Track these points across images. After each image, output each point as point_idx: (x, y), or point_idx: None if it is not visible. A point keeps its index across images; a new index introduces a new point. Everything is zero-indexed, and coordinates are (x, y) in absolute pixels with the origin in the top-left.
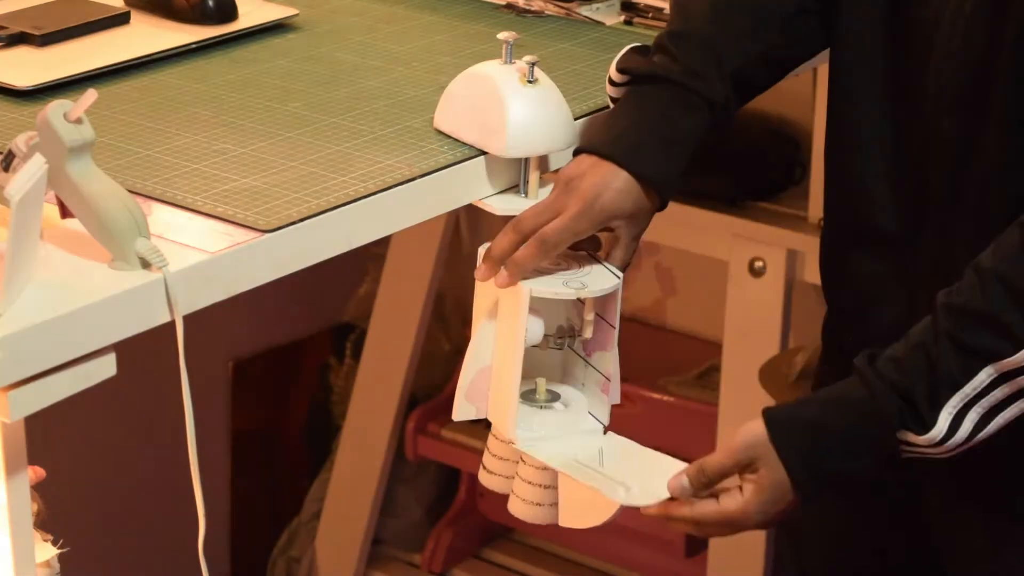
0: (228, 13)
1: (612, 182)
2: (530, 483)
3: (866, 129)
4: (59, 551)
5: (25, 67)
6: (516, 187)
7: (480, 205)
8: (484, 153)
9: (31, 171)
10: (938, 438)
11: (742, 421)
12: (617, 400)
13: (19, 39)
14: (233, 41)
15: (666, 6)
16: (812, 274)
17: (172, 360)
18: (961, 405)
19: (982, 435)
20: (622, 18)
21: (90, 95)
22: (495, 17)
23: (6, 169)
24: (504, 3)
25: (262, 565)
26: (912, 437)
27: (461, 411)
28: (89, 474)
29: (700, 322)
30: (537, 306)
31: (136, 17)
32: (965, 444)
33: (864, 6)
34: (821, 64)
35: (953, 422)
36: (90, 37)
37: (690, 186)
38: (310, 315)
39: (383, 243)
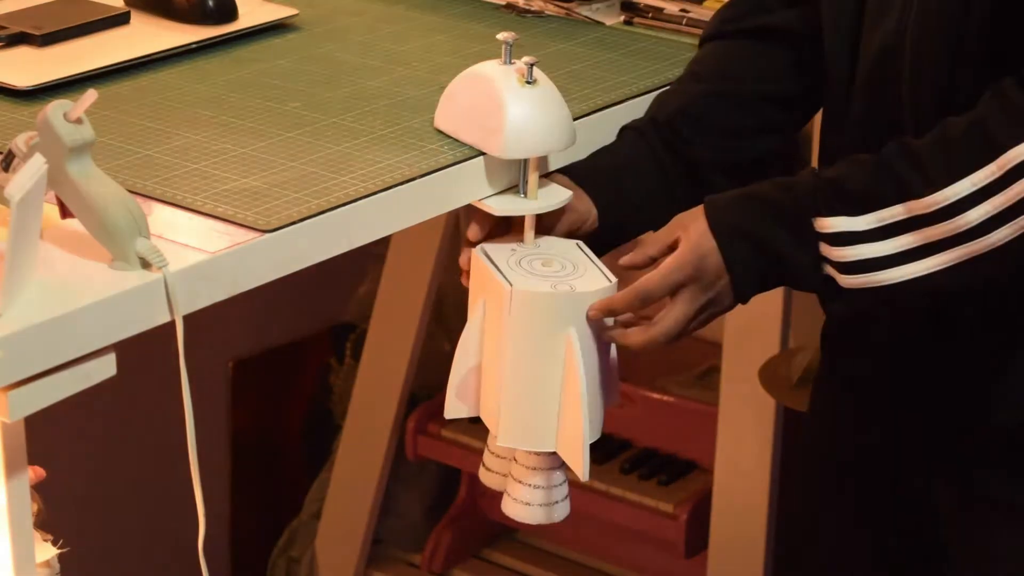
0: (228, 13)
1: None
2: (521, 482)
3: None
4: (59, 551)
5: (25, 67)
6: (516, 187)
7: (480, 205)
8: (484, 153)
9: (31, 171)
10: (839, 230)
11: (742, 421)
12: (617, 400)
13: (19, 39)
14: (233, 41)
15: (666, 6)
16: None
17: (172, 360)
18: (876, 226)
19: (884, 275)
20: (622, 18)
21: (90, 95)
22: (495, 17)
23: (6, 169)
24: (504, 3)
25: (262, 565)
26: (820, 223)
27: (452, 409)
28: (89, 474)
29: None
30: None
31: (136, 17)
32: (864, 273)
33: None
34: None
35: (864, 235)
36: (90, 37)
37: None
38: (310, 315)
39: (383, 243)
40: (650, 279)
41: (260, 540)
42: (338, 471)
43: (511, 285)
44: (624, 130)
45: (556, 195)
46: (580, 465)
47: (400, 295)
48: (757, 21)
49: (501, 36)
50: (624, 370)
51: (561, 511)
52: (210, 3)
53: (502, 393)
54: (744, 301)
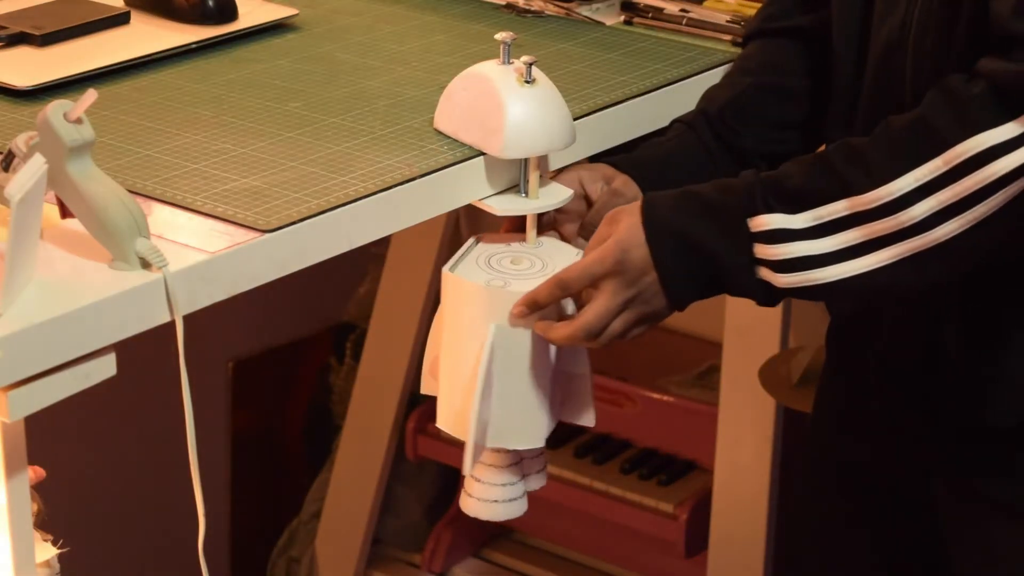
0: (228, 13)
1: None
2: (479, 480)
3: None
4: (59, 551)
5: (25, 67)
6: (516, 187)
7: (480, 205)
8: (484, 153)
9: (31, 171)
10: (775, 227)
11: (742, 421)
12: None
13: (19, 39)
14: (233, 41)
15: (666, 6)
16: None
17: (172, 360)
18: (815, 223)
19: (822, 272)
20: (622, 18)
21: (90, 95)
22: (495, 17)
23: (6, 169)
24: (504, 3)
25: (262, 565)
26: (756, 222)
27: (427, 386)
28: (89, 474)
29: (700, 322)
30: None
31: (136, 17)
32: (802, 270)
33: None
34: None
35: (802, 232)
36: (90, 37)
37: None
38: (310, 315)
39: (383, 243)
40: (571, 269)
41: (260, 540)
42: (338, 471)
43: (450, 272)
44: (673, 123)
45: (557, 194)
46: (465, 460)
47: (400, 295)
48: (798, 20)
49: (499, 36)
50: (624, 370)
51: (506, 510)
52: (210, 3)
53: (439, 378)
54: (680, 306)
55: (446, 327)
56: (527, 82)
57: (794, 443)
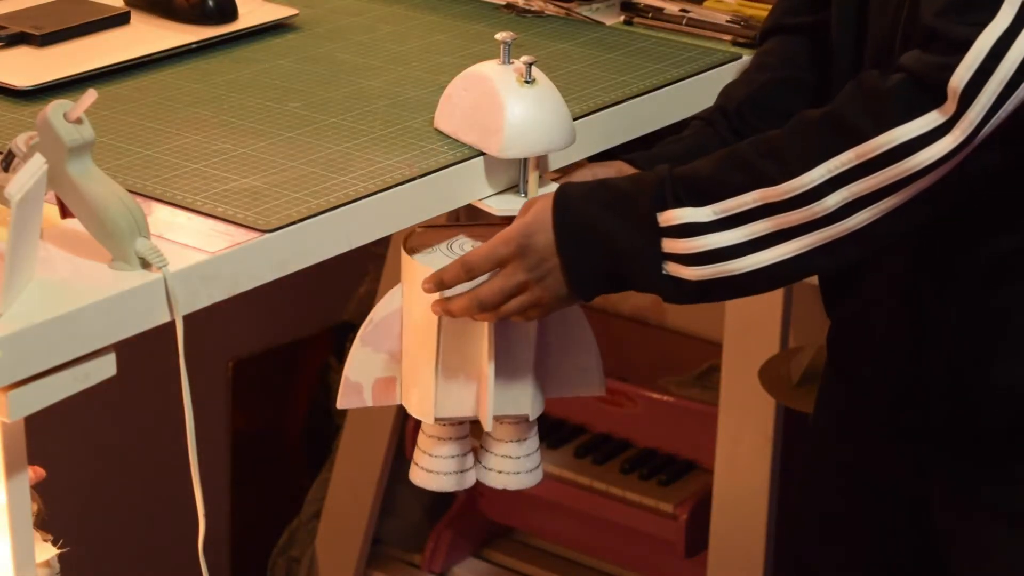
0: (228, 13)
1: None
2: (426, 452)
3: None
4: (59, 551)
5: (25, 67)
6: (516, 187)
7: (479, 206)
8: (483, 153)
9: (31, 171)
10: (685, 221)
11: (742, 421)
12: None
13: (19, 39)
14: (233, 41)
15: (666, 6)
16: None
17: (172, 360)
18: (724, 215)
19: (737, 263)
20: (622, 18)
21: (90, 95)
22: (495, 17)
23: (6, 169)
24: (504, 3)
25: (262, 565)
26: (665, 216)
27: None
28: (89, 474)
29: (700, 322)
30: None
31: (136, 17)
32: (716, 262)
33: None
34: None
35: (711, 225)
36: (90, 37)
37: None
38: (310, 315)
39: (383, 243)
40: (475, 251)
41: (260, 540)
42: (338, 471)
43: (404, 252)
44: (692, 120)
45: None
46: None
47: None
48: (810, 18)
49: (500, 36)
50: (624, 370)
51: (449, 482)
52: (210, 3)
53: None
54: (583, 295)
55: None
56: (527, 82)
57: (794, 443)
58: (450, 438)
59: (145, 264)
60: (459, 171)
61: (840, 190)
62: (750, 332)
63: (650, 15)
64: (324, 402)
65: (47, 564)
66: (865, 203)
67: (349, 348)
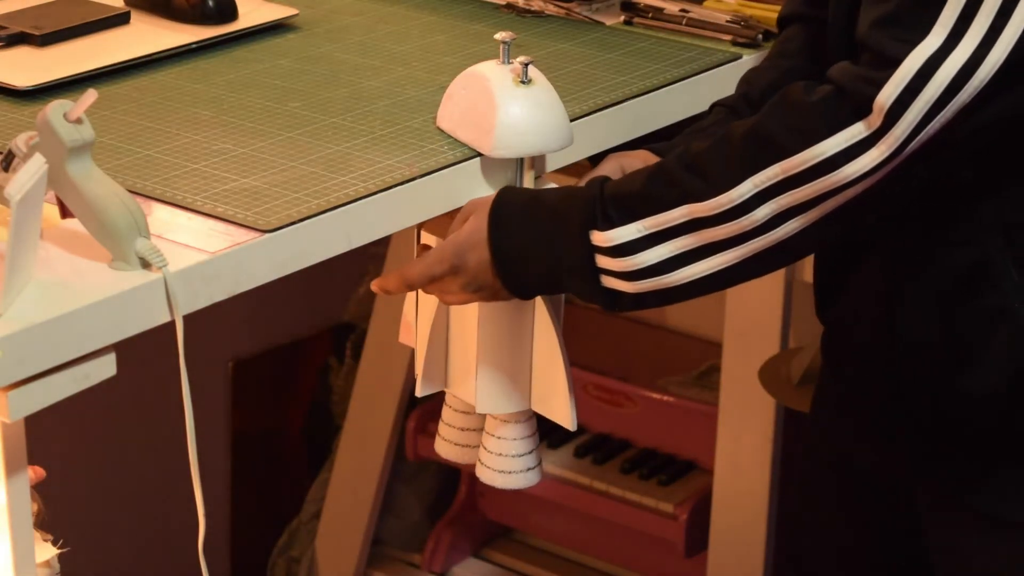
0: (228, 13)
1: None
2: (451, 425)
3: None
4: (59, 551)
5: (25, 67)
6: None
7: None
8: (482, 153)
9: (31, 171)
10: (617, 242)
11: (742, 421)
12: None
13: (19, 39)
14: (233, 41)
15: (666, 6)
16: (812, 274)
17: (172, 360)
18: (652, 231)
19: (670, 277)
20: (622, 18)
21: (90, 95)
22: (495, 17)
23: (6, 169)
24: (504, 3)
25: (262, 565)
26: (597, 236)
27: (424, 387)
28: (89, 474)
29: (700, 322)
30: None
31: (136, 17)
32: (651, 277)
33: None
34: None
35: (639, 242)
36: (90, 37)
37: None
38: (310, 315)
39: (383, 243)
40: (412, 266)
41: (260, 540)
42: (338, 471)
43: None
44: (714, 107)
45: None
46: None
47: (400, 295)
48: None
49: (499, 36)
50: (624, 370)
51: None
52: (210, 3)
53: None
54: (526, 297)
55: (480, 309)
56: (523, 82)
57: (794, 443)
58: (458, 410)
59: (145, 264)
60: (459, 171)
61: (768, 203)
62: (750, 332)
63: (650, 15)
64: (324, 402)
65: (47, 564)
66: (793, 214)
67: (349, 348)
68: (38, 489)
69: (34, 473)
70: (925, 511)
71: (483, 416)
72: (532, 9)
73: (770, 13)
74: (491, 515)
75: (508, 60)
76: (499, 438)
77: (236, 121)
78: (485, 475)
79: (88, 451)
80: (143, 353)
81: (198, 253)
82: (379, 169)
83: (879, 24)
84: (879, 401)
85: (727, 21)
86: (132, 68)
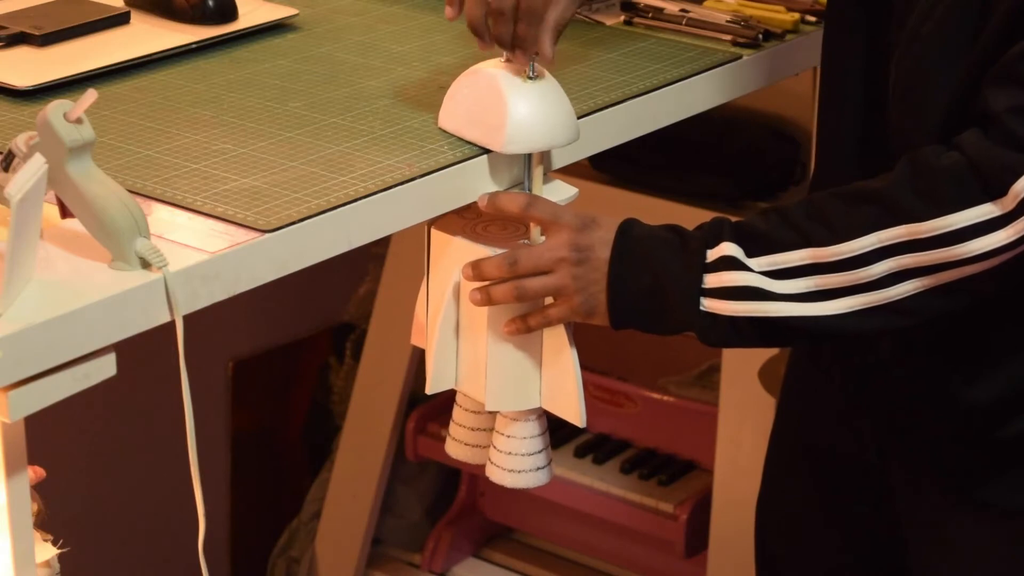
0: (228, 13)
1: None
2: (461, 425)
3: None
4: (59, 551)
5: (25, 67)
6: (517, 186)
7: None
8: (486, 152)
9: (31, 171)
10: (729, 254)
11: (742, 421)
12: None
13: (19, 39)
14: (233, 41)
15: (666, 6)
16: None
17: (172, 360)
18: (769, 268)
19: (772, 305)
20: (622, 18)
21: (90, 95)
22: None
23: (6, 169)
24: None
25: (262, 565)
26: (711, 253)
27: (436, 384)
28: (89, 474)
29: None
30: None
31: (136, 17)
32: (752, 300)
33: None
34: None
35: (768, 274)
36: (90, 37)
37: (690, 186)
38: (310, 315)
39: (383, 243)
40: (529, 250)
41: (260, 540)
42: (338, 471)
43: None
44: None
45: (561, 191)
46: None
47: (400, 295)
48: None
49: None
50: (624, 370)
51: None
52: (210, 3)
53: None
54: (615, 319)
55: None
56: (531, 78)
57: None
58: (470, 409)
59: (145, 264)
60: (459, 171)
61: (887, 260)
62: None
63: (650, 15)
64: (324, 402)
65: (47, 564)
66: (911, 276)
67: (349, 348)
68: (38, 489)
69: (34, 473)
70: (900, 496)
71: (493, 416)
72: None
73: (770, 13)
74: (491, 515)
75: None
76: (509, 437)
77: (236, 121)
78: (495, 475)
79: (88, 451)
80: (143, 353)
81: (198, 253)
82: (379, 169)
83: (1019, 108)
84: (851, 384)
85: (727, 21)
86: (132, 68)
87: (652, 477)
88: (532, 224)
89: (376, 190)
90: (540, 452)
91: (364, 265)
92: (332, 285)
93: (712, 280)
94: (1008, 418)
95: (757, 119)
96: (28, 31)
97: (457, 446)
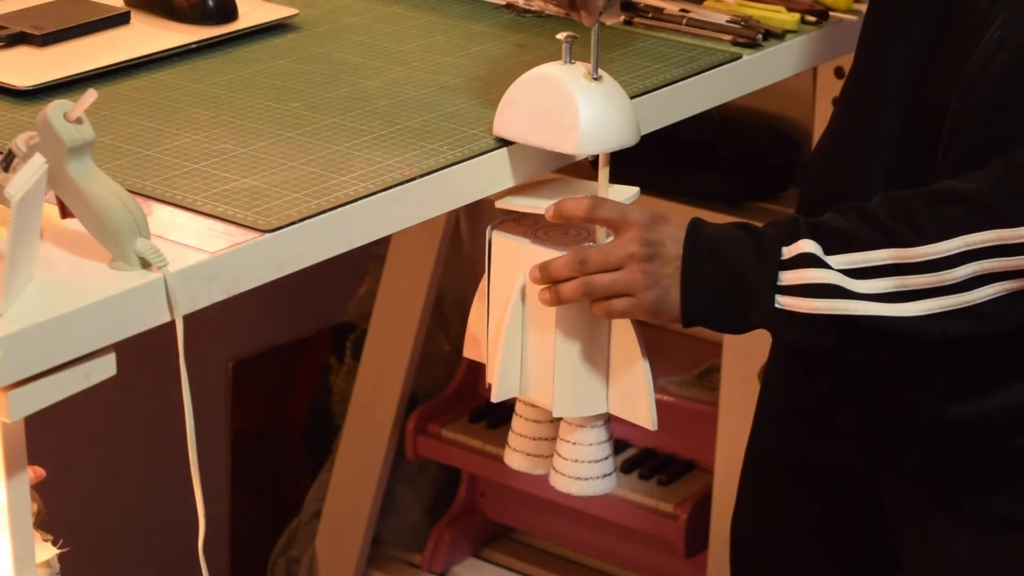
0: (228, 13)
1: None
2: (522, 435)
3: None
4: (59, 551)
5: (25, 67)
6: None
7: (505, 206)
8: (482, 154)
9: (31, 171)
10: (807, 251)
11: (742, 421)
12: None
13: (19, 39)
14: (233, 41)
15: (666, 6)
16: None
17: (172, 360)
18: (849, 267)
19: (852, 304)
20: (622, 18)
21: (90, 95)
22: (495, 17)
23: (6, 169)
24: (504, 3)
25: (262, 565)
26: (787, 250)
27: (502, 391)
28: (89, 474)
29: None
30: None
31: (136, 17)
32: (832, 298)
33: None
34: (822, 64)
35: (848, 272)
36: (90, 37)
37: (690, 186)
38: (310, 315)
39: (383, 243)
40: (598, 249)
41: (260, 540)
42: (338, 471)
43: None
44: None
45: (623, 192)
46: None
47: (400, 295)
48: None
49: (560, 36)
50: None
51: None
52: (210, 3)
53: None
54: (688, 315)
55: (559, 312)
56: (595, 79)
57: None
58: (535, 419)
59: (145, 264)
60: (459, 171)
61: (973, 263)
62: (750, 332)
63: (650, 15)
64: (324, 402)
65: (47, 564)
66: (995, 279)
67: (349, 348)
68: (38, 489)
69: (34, 473)
70: (895, 511)
71: (555, 424)
72: (532, 9)
73: (770, 13)
74: (491, 515)
75: (571, 60)
76: (574, 444)
77: (236, 121)
78: (561, 483)
79: (88, 451)
80: (143, 353)
81: (198, 253)
82: (379, 169)
83: None
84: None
85: (727, 21)
86: (132, 68)
87: (652, 477)
88: (598, 227)
89: (376, 190)
90: (606, 459)
91: (364, 265)
92: (332, 285)
93: (790, 277)
94: (1003, 430)
95: (757, 119)
96: (28, 31)
97: (518, 456)
